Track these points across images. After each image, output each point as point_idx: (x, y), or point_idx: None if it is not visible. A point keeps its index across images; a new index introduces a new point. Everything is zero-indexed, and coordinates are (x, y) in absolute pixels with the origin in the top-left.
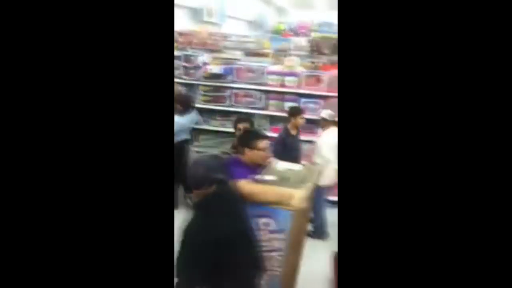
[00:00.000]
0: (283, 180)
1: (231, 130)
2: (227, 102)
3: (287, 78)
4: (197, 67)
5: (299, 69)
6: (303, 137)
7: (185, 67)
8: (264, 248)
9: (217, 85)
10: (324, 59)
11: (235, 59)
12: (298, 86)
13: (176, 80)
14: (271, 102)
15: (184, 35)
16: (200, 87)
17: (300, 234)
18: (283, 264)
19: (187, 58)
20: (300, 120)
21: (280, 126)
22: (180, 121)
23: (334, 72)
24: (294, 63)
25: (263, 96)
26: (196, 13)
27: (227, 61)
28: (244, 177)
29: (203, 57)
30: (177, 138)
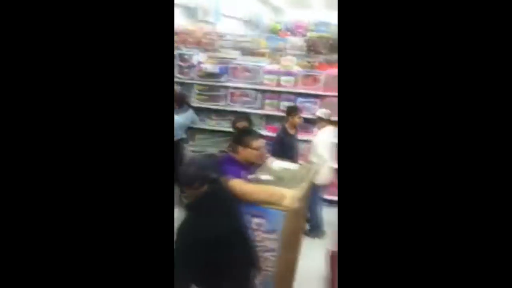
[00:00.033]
0: (279, 179)
1: (227, 129)
2: (223, 102)
3: (283, 78)
4: (192, 66)
5: (296, 69)
6: (299, 136)
7: (180, 66)
8: (257, 248)
9: (212, 84)
10: (320, 59)
11: (231, 58)
12: (295, 86)
13: None
14: (267, 101)
15: (179, 33)
16: (196, 86)
17: (294, 234)
18: (277, 264)
19: (182, 57)
20: (297, 119)
21: (276, 125)
22: (175, 119)
23: (331, 71)
24: (290, 62)
25: (259, 95)
26: (191, 12)
27: (223, 60)
28: (238, 175)
29: (198, 56)
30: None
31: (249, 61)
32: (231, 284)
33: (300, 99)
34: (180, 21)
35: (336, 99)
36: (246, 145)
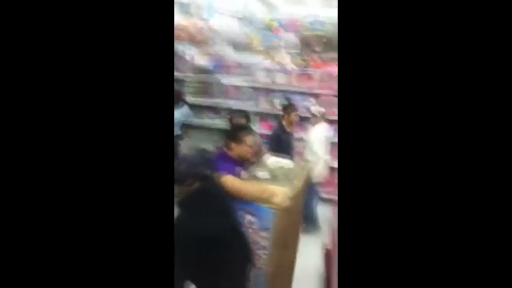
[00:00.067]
0: (274, 176)
1: (221, 125)
2: (217, 98)
3: (278, 75)
4: (185, 62)
5: (290, 66)
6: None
7: None
8: (251, 244)
9: (206, 81)
10: (315, 56)
11: (224, 54)
12: (289, 83)
13: None
14: (262, 98)
15: None
16: (189, 82)
17: (286, 232)
18: (269, 263)
19: (175, 53)
20: (294, 117)
21: (270, 122)
22: None
23: (325, 69)
24: (284, 59)
25: (253, 91)
26: (184, 8)
27: (216, 56)
28: (231, 172)
29: (191, 52)
30: None
31: (243, 58)
32: (225, 281)
33: (294, 97)
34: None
35: (330, 97)
36: (240, 142)
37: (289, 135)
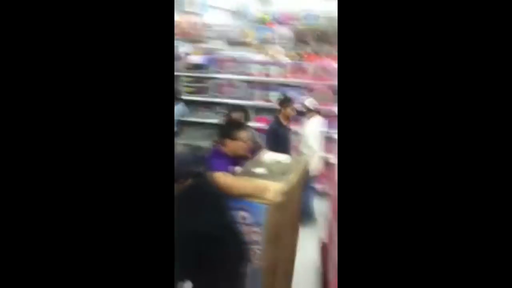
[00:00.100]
0: (270, 172)
1: (216, 121)
2: (210, 93)
3: (271, 68)
4: (178, 58)
5: (283, 59)
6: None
7: None
8: (245, 241)
9: (199, 76)
10: (308, 49)
11: (217, 49)
12: (283, 76)
13: None
14: (256, 92)
15: None
16: (182, 78)
17: (279, 228)
18: (263, 258)
19: None
20: (291, 111)
21: (265, 116)
22: None
23: (318, 62)
24: (278, 53)
25: (247, 86)
26: (177, 3)
27: (209, 51)
28: (225, 168)
29: (184, 48)
30: None
31: (236, 52)
32: (220, 277)
33: (287, 90)
34: None
35: (324, 90)
36: (234, 138)
37: (286, 129)
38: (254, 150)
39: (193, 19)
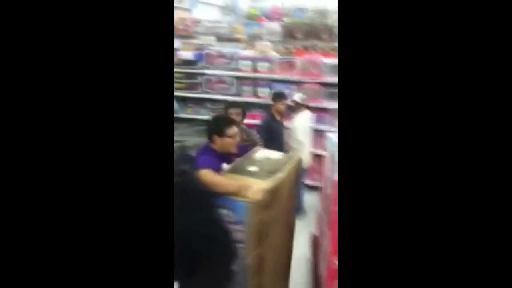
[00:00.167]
0: (261, 170)
1: (206, 117)
2: (200, 89)
3: (260, 64)
4: None
5: (272, 54)
6: None
7: None
8: (232, 239)
9: (189, 72)
10: (297, 44)
11: (207, 44)
12: (271, 72)
13: None
14: (245, 88)
15: None
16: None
17: (263, 226)
18: (248, 256)
19: None
20: (281, 106)
21: (253, 112)
22: None
23: (307, 57)
24: (266, 48)
25: (236, 82)
26: None
27: (199, 47)
28: (213, 166)
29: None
30: None
31: (225, 47)
32: (207, 276)
33: (276, 85)
34: None
35: (313, 85)
36: (222, 134)
37: (279, 124)
38: (249, 147)
39: (183, 14)
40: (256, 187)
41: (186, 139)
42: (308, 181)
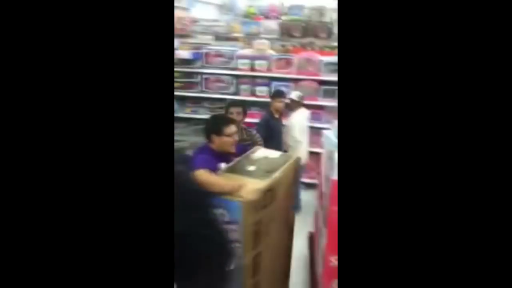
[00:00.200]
0: (259, 169)
1: (204, 116)
2: (198, 88)
3: (257, 62)
4: None
5: (269, 53)
6: None
7: None
8: (228, 239)
9: (187, 71)
10: (294, 42)
11: (204, 43)
12: (269, 70)
13: None
14: (243, 86)
15: None
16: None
17: (259, 226)
18: (242, 255)
19: None
20: (278, 104)
21: (252, 110)
22: None
23: (304, 55)
24: (264, 46)
25: (234, 80)
26: None
27: (196, 46)
28: (210, 165)
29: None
30: None
31: (223, 46)
32: (204, 276)
33: (274, 83)
34: None
35: (310, 83)
36: (220, 133)
37: (277, 122)
38: (249, 146)
39: (180, 13)
40: (250, 186)
41: (184, 138)
42: (305, 179)
